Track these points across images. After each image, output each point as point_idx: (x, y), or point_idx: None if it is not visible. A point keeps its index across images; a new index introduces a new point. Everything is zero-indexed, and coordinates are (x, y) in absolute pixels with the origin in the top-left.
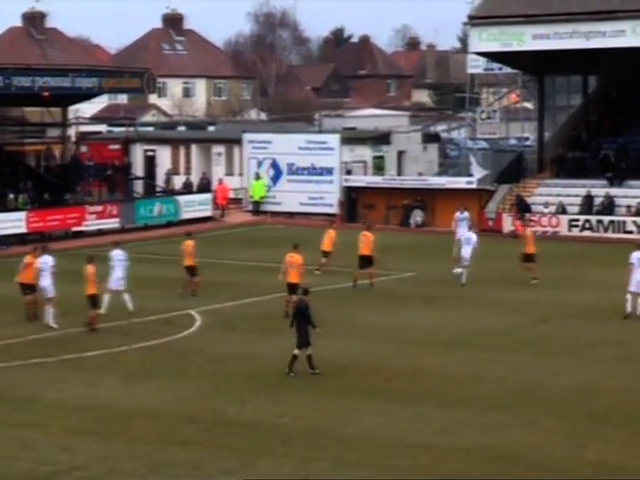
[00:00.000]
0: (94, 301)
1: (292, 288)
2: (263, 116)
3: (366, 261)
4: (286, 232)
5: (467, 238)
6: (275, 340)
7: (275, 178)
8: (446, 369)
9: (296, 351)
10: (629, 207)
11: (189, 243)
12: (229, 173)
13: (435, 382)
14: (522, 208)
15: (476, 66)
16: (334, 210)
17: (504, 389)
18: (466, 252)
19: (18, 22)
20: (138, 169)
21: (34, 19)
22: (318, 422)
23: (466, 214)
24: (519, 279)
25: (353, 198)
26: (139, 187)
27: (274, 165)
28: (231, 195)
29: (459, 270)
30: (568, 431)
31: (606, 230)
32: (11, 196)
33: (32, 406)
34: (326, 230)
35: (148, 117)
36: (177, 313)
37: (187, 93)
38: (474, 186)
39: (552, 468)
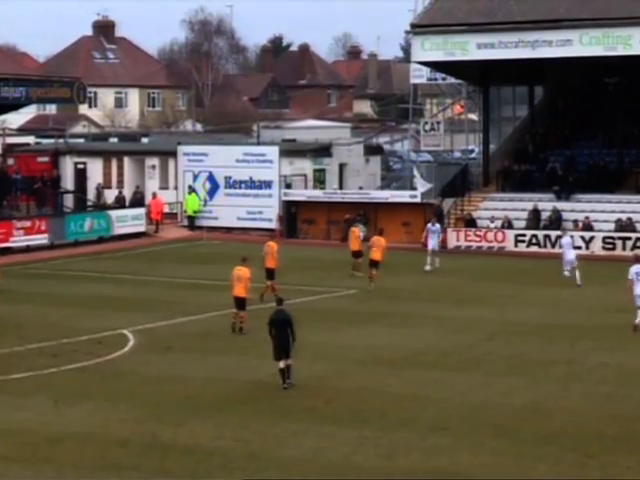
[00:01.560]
0: None
1: (239, 302)
2: (199, 127)
3: (374, 264)
4: (223, 248)
5: (568, 243)
6: (212, 360)
7: (212, 192)
8: (389, 389)
9: (281, 364)
10: (576, 222)
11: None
12: (164, 187)
13: (378, 403)
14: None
15: (419, 76)
16: (273, 225)
17: (449, 410)
18: (572, 255)
19: None
20: (68, 182)
21: None
22: (257, 445)
23: (438, 226)
24: (464, 296)
25: (293, 213)
26: (69, 201)
27: (210, 178)
28: (166, 209)
29: (429, 268)
30: (515, 453)
31: (553, 246)
32: None
33: None
34: (266, 244)
35: (78, 128)
36: (109, 333)
37: (119, 103)
38: (418, 200)
39: None
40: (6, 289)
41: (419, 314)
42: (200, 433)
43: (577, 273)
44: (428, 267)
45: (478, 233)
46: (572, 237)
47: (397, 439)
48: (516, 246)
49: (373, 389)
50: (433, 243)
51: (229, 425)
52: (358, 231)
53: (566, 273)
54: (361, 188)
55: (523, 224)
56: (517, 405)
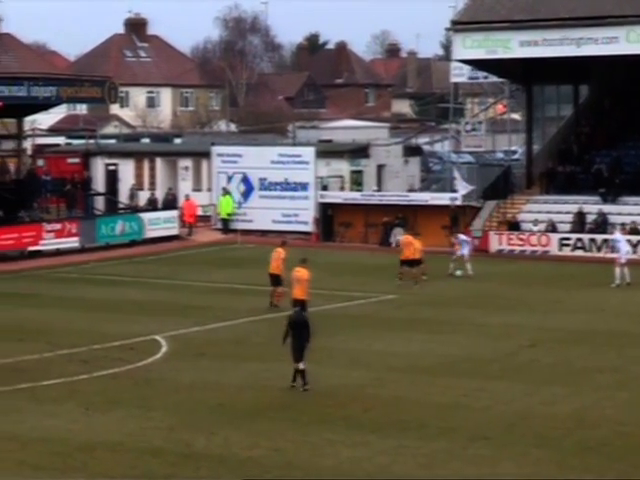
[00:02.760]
0: None
1: (297, 305)
2: (233, 127)
3: (414, 263)
4: (258, 252)
5: (620, 237)
6: (246, 367)
7: (246, 194)
8: (429, 398)
9: (301, 365)
10: (623, 225)
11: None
12: (197, 189)
13: (417, 412)
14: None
15: (460, 74)
16: (309, 228)
17: (491, 419)
18: (627, 246)
19: None
20: (99, 184)
21: None
22: (292, 454)
23: (464, 237)
24: (506, 302)
25: (329, 215)
26: (100, 204)
27: (245, 180)
28: (199, 212)
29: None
30: (559, 464)
31: (599, 249)
32: None
33: None
34: (274, 249)
35: (109, 129)
36: (141, 339)
37: (151, 103)
38: (459, 202)
39: None
40: (35, 293)
41: (459, 320)
42: (234, 442)
43: (626, 271)
44: (459, 272)
45: (521, 237)
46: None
47: (437, 449)
48: (560, 250)
49: (412, 397)
50: (464, 251)
51: (263, 434)
52: (412, 238)
53: (617, 274)
54: (411, 189)
55: (568, 227)
56: (561, 414)
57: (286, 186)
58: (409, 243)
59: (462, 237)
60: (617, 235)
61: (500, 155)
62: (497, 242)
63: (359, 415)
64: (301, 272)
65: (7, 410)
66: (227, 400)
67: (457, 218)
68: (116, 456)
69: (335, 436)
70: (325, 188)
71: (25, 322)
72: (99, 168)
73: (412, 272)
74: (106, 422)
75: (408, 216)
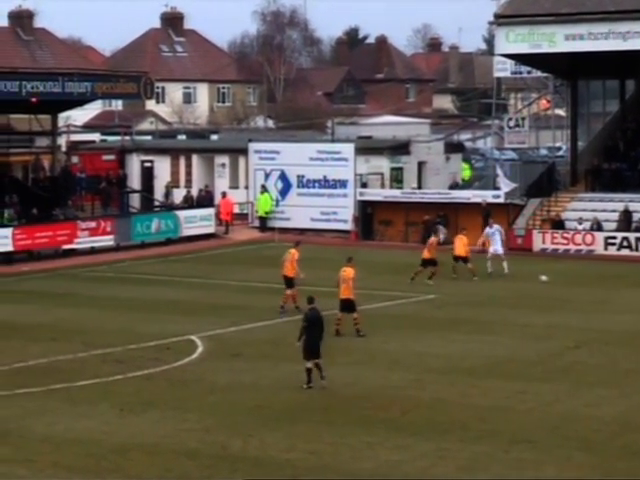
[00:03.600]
0: None
1: (346, 305)
2: (271, 124)
3: (462, 260)
4: None
5: None
6: (283, 368)
7: (284, 191)
8: (470, 400)
9: (309, 364)
10: None
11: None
12: (234, 186)
13: (458, 414)
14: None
15: (503, 69)
16: (348, 226)
17: (534, 422)
18: None
19: (4, 22)
20: (134, 181)
21: (21, 18)
22: (330, 457)
23: (496, 227)
24: (549, 302)
25: (369, 213)
26: (135, 201)
27: (283, 177)
28: (236, 210)
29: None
30: (604, 468)
31: None
32: None
33: (18, 440)
34: (288, 251)
35: (145, 125)
36: (176, 339)
37: (188, 99)
38: (501, 200)
39: None
40: (70, 292)
41: (501, 321)
42: (271, 444)
43: None
44: (490, 270)
45: (565, 235)
46: None
47: (478, 452)
48: (606, 249)
49: (452, 400)
50: (496, 247)
51: (301, 436)
52: (465, 238)
53: None
54: (456, 184)
55: (613, 226)
56: (606, 418)
57: (325, 183)
58: (460, 239)
59: (493, 229)
60: None
61: (544, 152)
62: (541, 241)
63: (398, 417)
64: (347, 271)
65: (41, 411)
66: (264, 401)
67: (489, 216)
68: (151, 458)
69: (374, 439)
70: (364, 185)
71: (59, 322)
72: (134, 165)
73: (468, 267)
74: (141, 423)
75: (449, 214)
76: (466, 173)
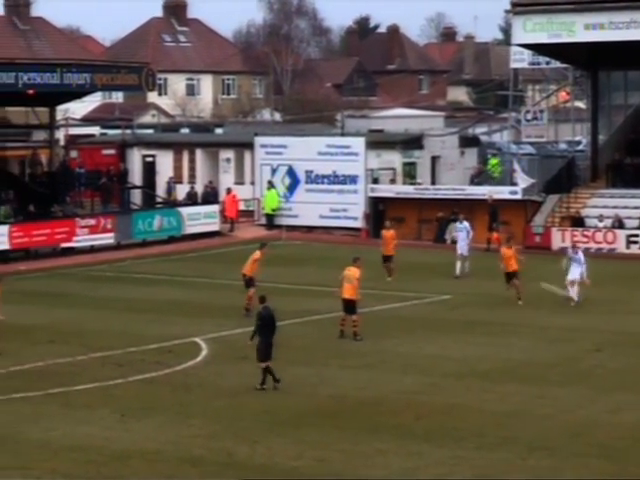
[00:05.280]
0: None
1: (348, 305)
2: (277, 117)
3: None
4: (304, 249)
5: None
6: (291, 372)
7: (291, 187)
8: (486, 405)
9: (263, 365)
10: None
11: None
12: (239, 182)
13: (474, 420)
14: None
15: (520, 60)
16: (359, 224)
17: (552, 428)
18: None
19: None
20: (136, 177)
21: (18, 7)
22: (340, 465)
23: (465, 224)
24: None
25: (380, 210)
26: (137, 197)
27: (290, 172)
28: (241, 207)
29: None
30: (624, 476)
31: None
32: None
33: (14, 446)
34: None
35: (147, 118)
36: (180, 341)
37: (191, 91)
38: (519, 197)
39: None
40: (68, 293)
41: (518, 322)
42: (278, 451)
43: None
44: (457, 272)
45: (585, 233)
46: None
47: (495, 459)
48: (628, 248)
49: (468, 405)
50: (462, 245)
51: (309, 443)
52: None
53: None
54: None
55: (636, 223)
56: (628, 424)
57: (334, 179)
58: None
59: (462, 225)
60: None
61: (563, 146)
62: (560, 239)
63: (412, 423)
64: (352, 270)
65: (38, 416)
66: (271, 407)
67: (496, 213)
68: (153, 465)
69: (386, 445)
70: (376, 181)
71: (57, 323)
72: (136, 160)
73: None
74: (142, 429)
75: (464, 211)
76: (496, 169)
